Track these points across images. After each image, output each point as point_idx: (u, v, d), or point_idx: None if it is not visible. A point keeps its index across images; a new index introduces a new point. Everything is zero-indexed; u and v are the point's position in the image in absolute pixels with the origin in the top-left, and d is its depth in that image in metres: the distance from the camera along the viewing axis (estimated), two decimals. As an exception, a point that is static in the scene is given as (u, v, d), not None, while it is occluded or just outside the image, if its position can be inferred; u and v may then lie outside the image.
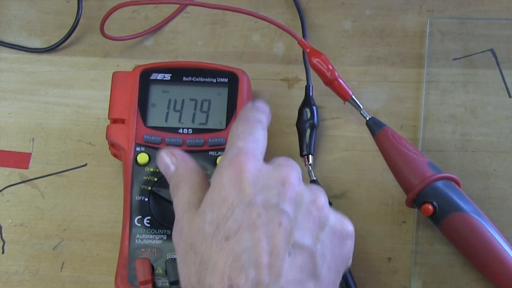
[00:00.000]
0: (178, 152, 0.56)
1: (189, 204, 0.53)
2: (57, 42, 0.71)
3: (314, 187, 0.53)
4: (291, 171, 0.52)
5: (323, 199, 0.52)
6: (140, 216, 0.60)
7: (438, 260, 0.62)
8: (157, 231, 0.60)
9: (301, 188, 0.51)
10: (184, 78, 0.64)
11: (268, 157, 0.66)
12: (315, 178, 0.64)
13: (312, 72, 0.65)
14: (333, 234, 0.51)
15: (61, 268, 0.64)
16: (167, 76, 0.64)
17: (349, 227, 0.52)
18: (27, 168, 0.67)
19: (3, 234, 0.65)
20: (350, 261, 0.53)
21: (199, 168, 0.55)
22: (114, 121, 0.63)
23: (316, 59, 0.64)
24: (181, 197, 0.54)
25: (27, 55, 0.71)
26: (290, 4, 0.71)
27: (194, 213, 0.52)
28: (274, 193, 0.50)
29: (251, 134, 0.54)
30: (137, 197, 0.61)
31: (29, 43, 0.72)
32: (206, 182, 0.54)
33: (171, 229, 0.59)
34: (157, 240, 0.60)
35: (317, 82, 0.65)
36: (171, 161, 0.55)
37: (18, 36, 0.72)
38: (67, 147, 0.68)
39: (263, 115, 0.56)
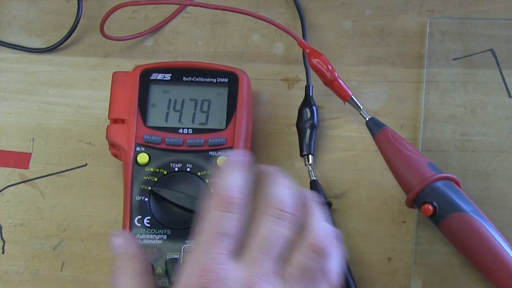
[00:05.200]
0: (124, 235, 0.56)
1: None
2: (57, 42, 0.71)
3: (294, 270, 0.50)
4: (259, 278, 0.49)
5: None
6: (140, 216, 0.60)
7: (438, 260, 0.62)
8: (157, 231, 0.60)
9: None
10: (184, 78, 0.64)
11: (268, 157, 0.66)
12: (315, 178, 0.64)
13: (312, 72, 0.65)
14: None
15: (61, 268, 0.64)
16: (167, 76, 0.64)
17: None
18: (27, 168, 0.67)
19: (3, 234, 0.65)
20: None
21: (140, 254, 0.55)
22: (114, 121, 0.63)
23: (316, 60, 0.64)
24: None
25: (27, 55, 0.71)
26: (290, 4, 0.71)
27: None
28: None
29: (225, 227, 0.50)
30: (137, 197, 0.61)
31: (29, 43, 0.72)
32: (148, 269, 0.54)
33: (171, 229, 0.59)
34: (157, 240, 0.60)
35: (317, 82, 0.66)
36: (116, 244, 0.55)
37: (18, 36, 0.72)
38: (67, 147, 0.68)
39: (241, 174, 0.52)
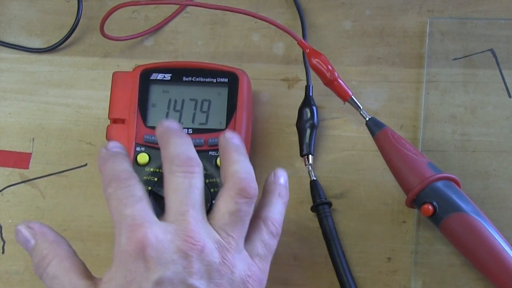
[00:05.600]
0: (36, 224, 0.53)
1: (71, 283, 0.51)
2: (57, 42, 0.71)
3: (225, 232, 0.51)
4: (193, 232, 0.50)
5: (229, 255, 0.50)
6: (140, 216, 0.60)
7: (438, 260, 0.62)
8: (157, 231, 0.60)
9: (207, 250, 0.49)
10: (184, 78, 0.64)
11: (268, 157, 0.66)
12: (315, 178, 0.64)
13: (312, 72, 0.65)
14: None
15: (61, 268, 0.64)
16: (167, 76, 0.64)
17: (260, 275, 0.52)
18: (27, 168, 0.67)
19: (3, 234, 0.65)
20: None
21: (61, 238, 0.53)
22: (114, 121, 0.63)
23: (316, 60, 0.64)
24: (53, 274, 0.51)
25: (27, 55, 0.71)
26: (290, 4, 0.71)
27: None
28: (180, 268, 0.49)
29: (132, 195, 0.51)
30: (137, 197, 0.61)
31: (29, 43, 0.72)
32: (72, 251, 0.52)
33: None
34: (157, 240, 0.60)
35: (317, 82, 0.66)
36: (30, 234, 0.53)
37: (18, 36, 0.72)
38: (67, 147, 0.68)
39: (124, 158, 0.54)
